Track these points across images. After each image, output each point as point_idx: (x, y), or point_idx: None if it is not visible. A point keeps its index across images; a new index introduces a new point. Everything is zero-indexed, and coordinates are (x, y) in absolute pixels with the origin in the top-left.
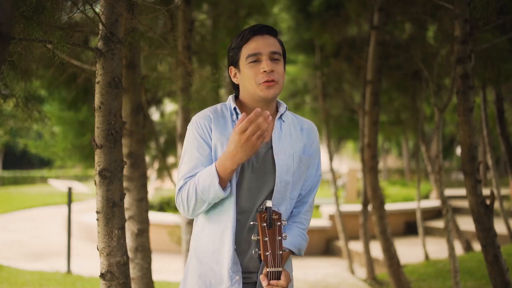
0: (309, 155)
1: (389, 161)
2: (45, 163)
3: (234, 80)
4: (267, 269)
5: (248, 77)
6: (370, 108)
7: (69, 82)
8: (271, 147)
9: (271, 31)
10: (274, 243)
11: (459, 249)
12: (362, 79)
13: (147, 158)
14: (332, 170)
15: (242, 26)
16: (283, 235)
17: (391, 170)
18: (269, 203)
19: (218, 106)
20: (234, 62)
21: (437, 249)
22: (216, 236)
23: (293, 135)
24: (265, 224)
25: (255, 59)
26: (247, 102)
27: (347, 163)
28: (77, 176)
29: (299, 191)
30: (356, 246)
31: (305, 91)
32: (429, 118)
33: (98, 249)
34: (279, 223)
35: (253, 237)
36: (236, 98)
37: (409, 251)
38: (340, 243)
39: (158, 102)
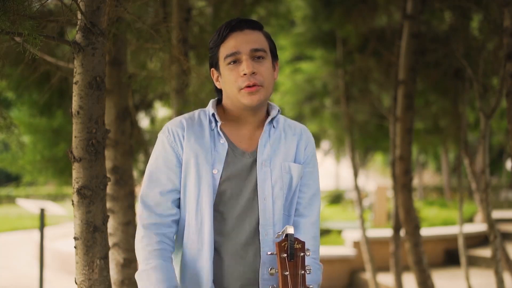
0: (301, 163)
1: (426, 177)
2: (12, 179)
3: (217, 84)
4: None
5: (229, 81)
6: (402, 114)
7: (41, 83)
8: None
9: (253, 25)
10: (296, 278)
11: (509, 282)
12: (393, 78)
13: (135, 173)
14: (357, 188)
15: (248, 15)
16: (307, 267)
17: (428, 188)
18: (290, 230)
19: (196, 112)
20: (214, 63)
21: (483, 282)
22: (192, 271)
23: (284, 142)
24: (285, 255)
25: (234, 59)
26: (231, 109)
27: (375, 179)
28: (51, 195)
29: (294, 205)
30: (386, 278)
31: (325, 93)
32: (474, 125)
33: (76, 283)
34: (302, 254)
35: (271, 271)
36: (220, 102)
37: (450, 285)
38: (367, 275)
39: (148, 106)
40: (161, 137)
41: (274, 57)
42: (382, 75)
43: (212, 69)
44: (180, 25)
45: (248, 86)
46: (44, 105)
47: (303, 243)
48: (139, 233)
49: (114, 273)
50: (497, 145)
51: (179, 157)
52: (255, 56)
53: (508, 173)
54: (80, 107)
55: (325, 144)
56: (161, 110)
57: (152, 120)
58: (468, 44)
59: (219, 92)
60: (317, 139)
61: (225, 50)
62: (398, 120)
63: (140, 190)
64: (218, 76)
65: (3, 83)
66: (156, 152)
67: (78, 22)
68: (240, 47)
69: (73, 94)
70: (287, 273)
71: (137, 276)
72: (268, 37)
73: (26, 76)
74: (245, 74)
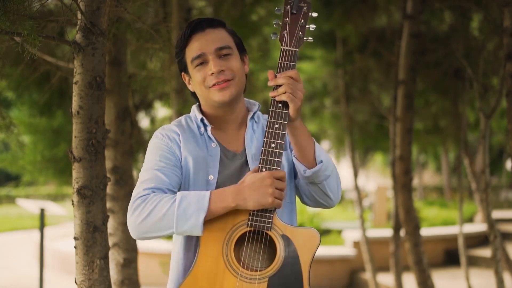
0: (286, 149)
1: (426, 177)
2: (11, 179)
3: (190, 87)
4: (281, 47)
5: (198, 82)
6: (402, 114)
7: (41, 83)
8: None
9: (214, 23)
10: (294, 27)
11: (509, 282)
12: (393, 78)
13: (135, 173)
14: (357, 188)
15: (248, 15)
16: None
17: (428, 188)
18: None
19: (182, 118)
20: (183, 67)
21: (483, 282)
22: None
23: None
24: (289, 7)
25: (201, 61)
26: (210, 110)
27: (375, 179)
28: (51, 195)
29: (293, 191)
30: (386, 278)
31: (325, 93)
32: (474, 125)
33: (76, 283)
34: (306, 10)
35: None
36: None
37: (450, 285)
38: (367, 275)
39: (148, 106)
40: (154, 141)
41: (242, 51)
42: (382, 75)
43: (183, 73)
44: (180, 25)
45: (216, 84)
46: (44, 105)
47: (309, 4)
48: (150, 197)
49: (114, 273)
50: (497, 145)
51: (178, 157)
52: (221, 54)
53: (508, 173)
54: (80, 107)
55: (325, 144)
56: (161, 110)
57: (152, 120)
58: (468, 44)
59: (195, 96)
60: (317, 139)
61: (190, 53)
62: (398, 120)
63: (136, 189)
64: (189, 79)
65: (3, 83)
66: (151, 153)
67: (78, 22)
68: (204, 47)
69: (73, 94)
70: (287, 19)
71: (177, 212)
72: (232, 33)
73: (26, 76)
74: (212, 73)
